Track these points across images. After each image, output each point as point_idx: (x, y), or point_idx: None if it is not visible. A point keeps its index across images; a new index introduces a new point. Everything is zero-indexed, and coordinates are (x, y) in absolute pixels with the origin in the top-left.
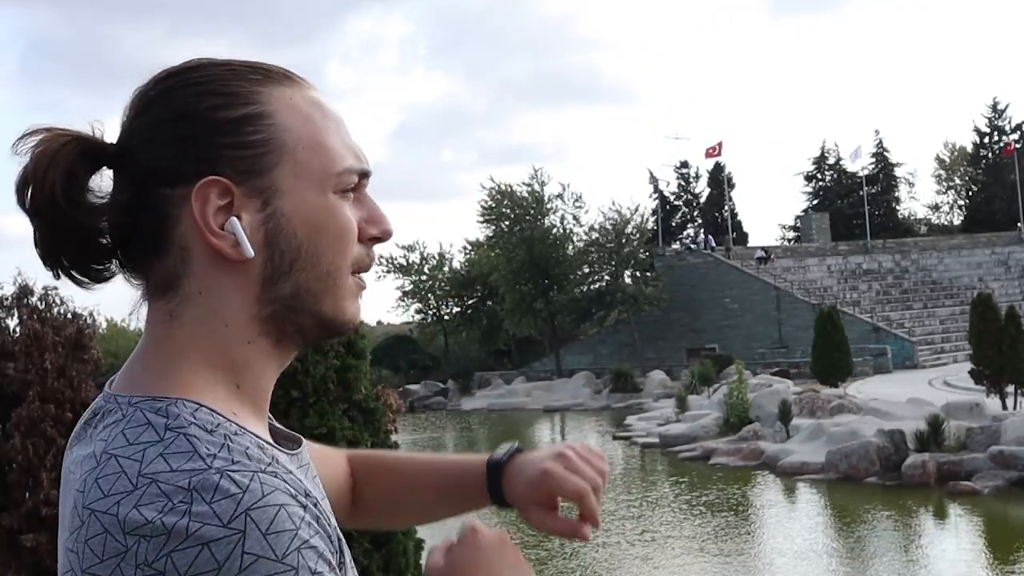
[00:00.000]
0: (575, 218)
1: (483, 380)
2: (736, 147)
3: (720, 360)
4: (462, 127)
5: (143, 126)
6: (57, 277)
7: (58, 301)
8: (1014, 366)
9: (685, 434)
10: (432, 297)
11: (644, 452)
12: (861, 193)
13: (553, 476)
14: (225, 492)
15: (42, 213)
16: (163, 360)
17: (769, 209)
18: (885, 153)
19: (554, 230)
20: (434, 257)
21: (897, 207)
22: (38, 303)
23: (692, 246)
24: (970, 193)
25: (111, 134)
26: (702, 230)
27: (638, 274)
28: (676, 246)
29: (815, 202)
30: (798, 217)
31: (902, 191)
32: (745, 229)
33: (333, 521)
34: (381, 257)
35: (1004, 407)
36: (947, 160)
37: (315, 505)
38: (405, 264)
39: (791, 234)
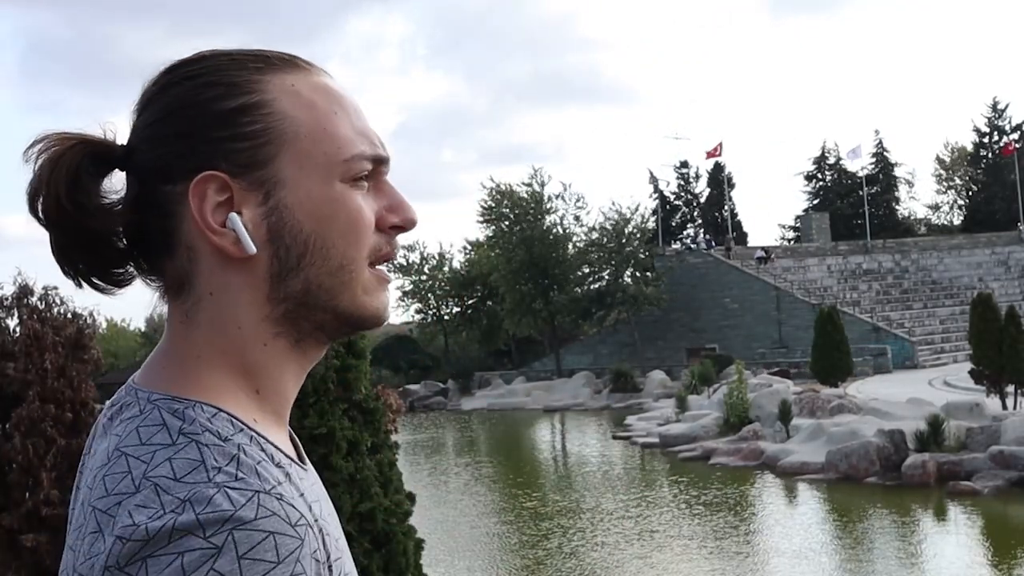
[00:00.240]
0: (576, 218)
1: (483, 380)
2: (736, 147)
3: (720, 360)
4: (462, 127)
5: (143, 123)
6: (79, 286)
7: (58, 301)
8: (1014, 366)
9: (685, 434)
10: (432, 297)
11: (644, 452)
12: (861, 193)
13: None
14: (216, 507)
15: (51, 219)
16: (182, 361)
17: (769, 209)
18: (885, 153)
19: (554, 230)
20: (434, 257)
21: (897, 207)
22: (38, 303)
23: (692, 246)
24: (970, 193)
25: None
26: (702, 230)
27: (638, 274)
28: (676, 246)
29: (815, 202)
30: (798, 217)
31: (902, 191)
32: (745, 229)
33: (334, 536)
34: None
35: (1004, 407)
36: (947, 160)
37: (320, 531)
38: (405, 264)
39: (791, 234)
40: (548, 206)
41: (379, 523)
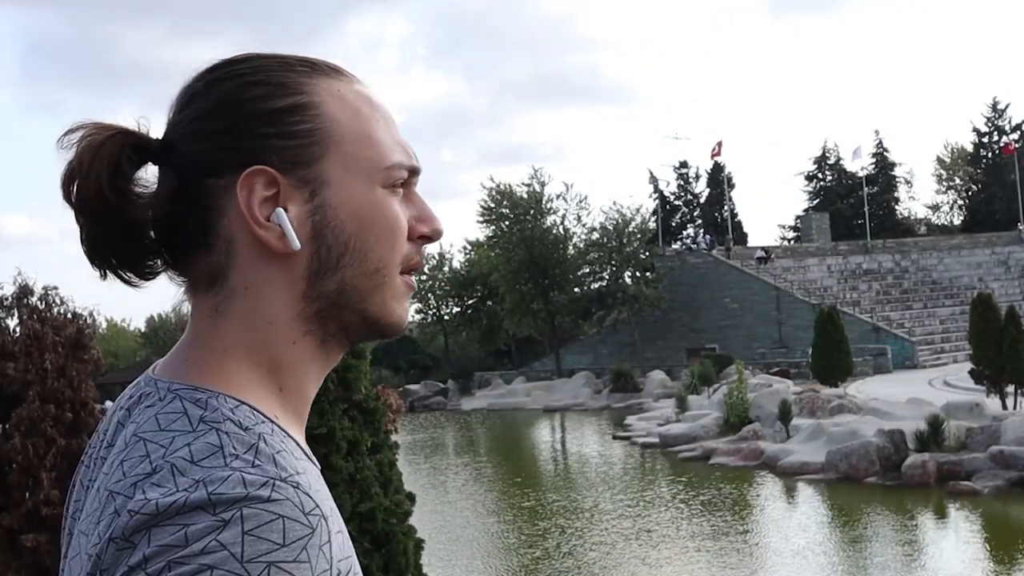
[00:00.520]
0: (577, 218)
1: (483, 380)
2: (736, 147)
3: (720, 360)
4: (462, 127)
5: (187, 119)
6: (103, 276)
7: (58, 301)
8: (1014, 366)
9: (685, 434)
10: (432, 297)
11: (644, 452)
12: (861, 193)
13: None
14: (230, 486)
15: (88, 206)
16: (207, 355)
17: (769, 209)
18: (885, 153)
19: (554, 230)
20: (434, 257)
21: (897, 207)
22: (38, 303)
23: (693, 246)
24: (970, 193)
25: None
26: (702, 230)
27: (638, 274)
28: (676, 246)
29: (815, 202)
30: (798, 217)
31: (901, 191)
32: (745, 229)
33: (345, 534)
34: None
35: (1004, 407)
36: (947, 160)
37: (334, 525)
38: None
39: (791, 234)
40: (548, 206)
41: (379, 523)
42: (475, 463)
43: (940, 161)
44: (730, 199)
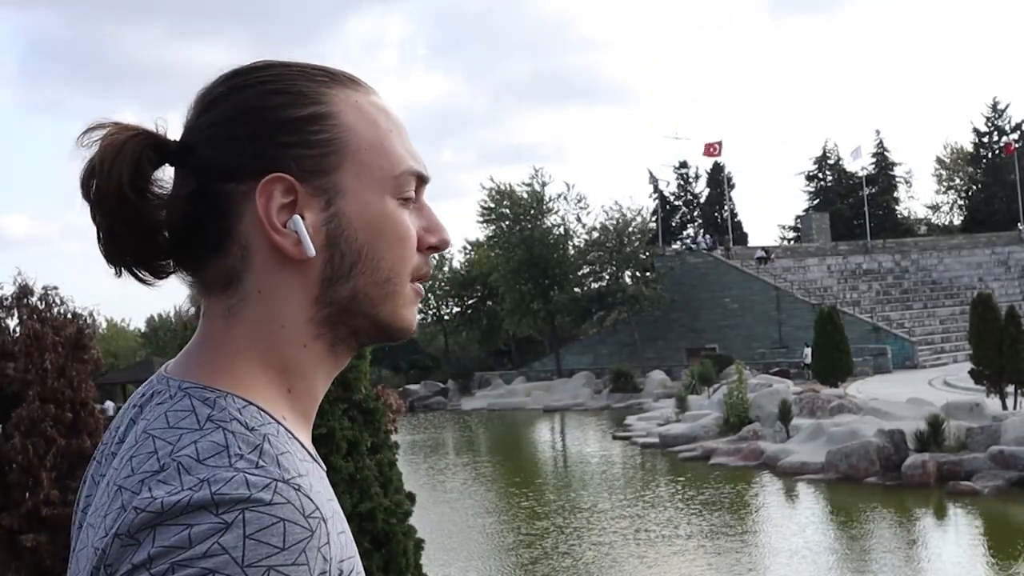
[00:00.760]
0: (577, 218)
1: (483, 380)
2: (736, 147)
3: (720, 360)
4: (462, 127)
5: (207, 123)
6: (119, 274)
7: (58, 301)
8: (1014, 366)
9: (685, 434)
10: (432, 297)
11: (644, 452)
12: (861, 193)
13: None
14: (233, 487)
15: (108, 204)
16: (218, 356)
17: (769, 209)
18: (885, 153)
19: (555, 230)
20: (434, 257)
21: (897, 207)
22: (38, 303)
23: (692, 246)
24: (970, 193)
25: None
26: (702, 230)
27: (638, 274)
28: (676, 246)
29: (815, 202)
30: (798, 217)
31: (901, 191)
32: (745, 229)
33: (347, 534)
34: None
35: (1004, 407)
36: (947, 160)
37: (334, 528)
38: None
39: (791, 234)
40: (548, 206)
41: (379, 523)
42: (475, 463)
43: (940, 161)
44: (730, 199)
